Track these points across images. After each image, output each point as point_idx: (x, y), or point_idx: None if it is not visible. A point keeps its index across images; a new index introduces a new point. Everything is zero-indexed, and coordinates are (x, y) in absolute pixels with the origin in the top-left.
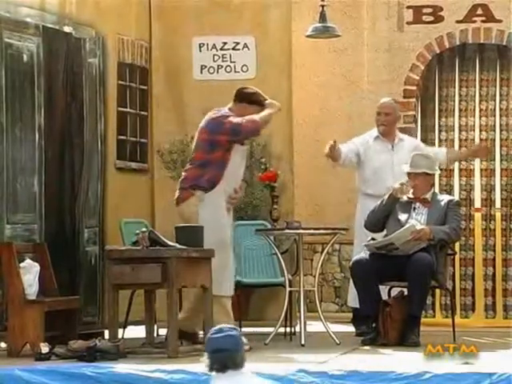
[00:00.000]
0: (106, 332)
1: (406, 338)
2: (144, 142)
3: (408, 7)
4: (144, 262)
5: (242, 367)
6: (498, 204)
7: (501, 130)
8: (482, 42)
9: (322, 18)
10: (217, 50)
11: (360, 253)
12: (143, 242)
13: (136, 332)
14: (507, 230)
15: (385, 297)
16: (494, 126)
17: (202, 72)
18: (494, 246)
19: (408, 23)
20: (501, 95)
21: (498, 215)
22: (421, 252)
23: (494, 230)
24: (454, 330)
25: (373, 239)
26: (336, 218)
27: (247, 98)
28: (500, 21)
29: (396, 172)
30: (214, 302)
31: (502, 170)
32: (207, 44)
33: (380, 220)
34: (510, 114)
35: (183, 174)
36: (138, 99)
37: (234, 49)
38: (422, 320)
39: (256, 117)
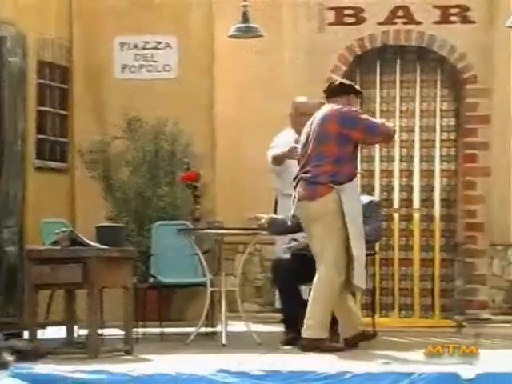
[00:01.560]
0: (26, 332)
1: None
2: (64, 141)
3: (329, 8)
4: (64, 262)
5: None
6: (417, 205)
7: (421, 132)
8: (402, 43)
9: (245, 18)
10: (138, 50)
11: (281, 252)
12: (63, 241)
13: (56, 332)
14: (426, 231)
15: (306, 297)
16: (414, 127)
17: (123, 71)
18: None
19: (329, 24)
20: (421, 96)
21: (417, 216)
22: None
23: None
24: (374, 330)
25: (294, 240)
26: None
27: (351, 89)
28: (420, 23)
29: None
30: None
31: (421, 170)
32: (129, 43)
33: None
34: (430, 115)
35: (314, 169)
36: (58, 98)
37: (155, 48)
38: None
39: (389, 124)
